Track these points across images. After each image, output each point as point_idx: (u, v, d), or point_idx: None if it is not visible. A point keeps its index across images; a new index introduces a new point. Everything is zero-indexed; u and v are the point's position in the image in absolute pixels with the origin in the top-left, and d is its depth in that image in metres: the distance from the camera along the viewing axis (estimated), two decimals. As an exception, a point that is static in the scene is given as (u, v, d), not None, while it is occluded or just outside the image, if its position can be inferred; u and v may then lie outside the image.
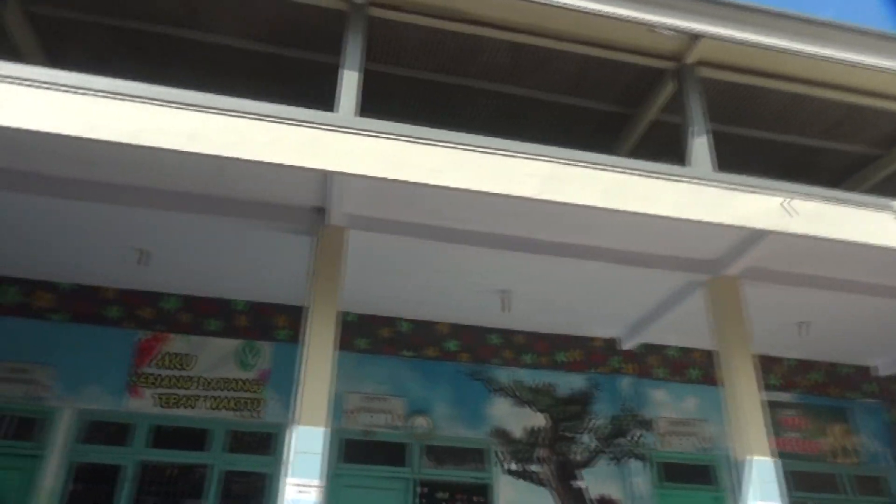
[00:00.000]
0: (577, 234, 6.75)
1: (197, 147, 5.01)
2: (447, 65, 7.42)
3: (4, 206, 6.47)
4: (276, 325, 8.69)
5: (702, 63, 7.13)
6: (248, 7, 6.79)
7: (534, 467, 8.72)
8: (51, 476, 7.38)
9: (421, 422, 8.54)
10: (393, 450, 8.43)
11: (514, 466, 8.67)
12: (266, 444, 8.08)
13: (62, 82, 5.09)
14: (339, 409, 8.22)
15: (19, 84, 5.04)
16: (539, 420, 9.04)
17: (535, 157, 5.77)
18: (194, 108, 5.12)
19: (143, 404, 7.93)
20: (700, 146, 6.66)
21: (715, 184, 6.14)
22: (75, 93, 5.08)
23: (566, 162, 5.83)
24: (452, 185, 5.43)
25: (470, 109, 8.10)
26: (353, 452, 8.27)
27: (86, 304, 8.25)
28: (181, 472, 7.82)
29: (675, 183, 6.04)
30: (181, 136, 5.01)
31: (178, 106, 5.11)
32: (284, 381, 8.32)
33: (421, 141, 5.59)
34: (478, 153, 5.66)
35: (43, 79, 5.09)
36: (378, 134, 5.54)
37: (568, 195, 5.70)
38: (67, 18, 7.09)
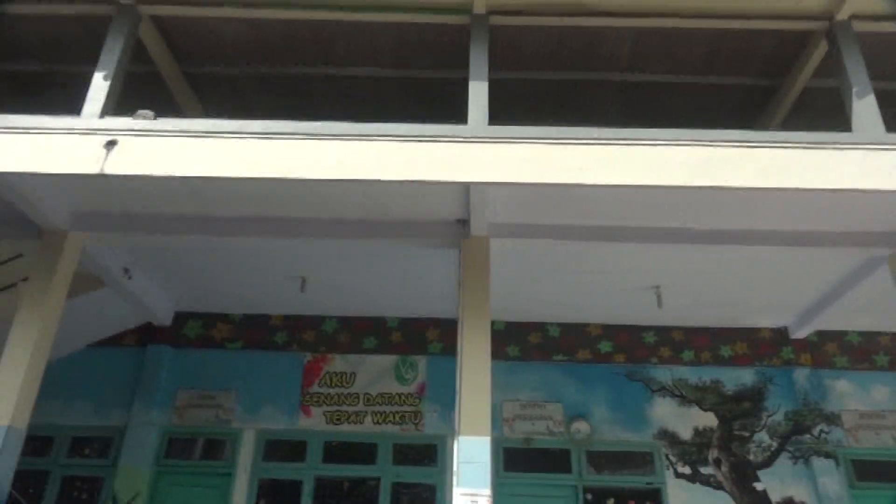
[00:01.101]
0: (735, 219, 6.32)
1: (343, 174, 5.28)
2: (571, 62, 7.28)
3: (186, 250, 7.19)
4: (428, 338, 8.93)
5: (855, 17, 6.46)
6: (374, 37, 7.08)
7: (707, 469, 8.24)
8: (241, 492, 8.03)
9: (581, 427, 8.37)
10: (555, 457, 8.32)
11: (685, 469, 8.24)
12: (429, 456, 8.29)
13: (221, 130, 5.57)
14: (496, 418, 8.25)
15: (186, 136, 5.58)
16: (708, 419, 8.53)
17: (681, 142, 5.49)
18: (337, 137, 5.41)
19: (315, 422, 8.43)
20: (865, 108, 6.02)
21: (887, 147, 5.51)
22: (232, 137, 5.54)
23: (714, 144, 5.49)
24: (598, 182, 5.29)
25: (600, 104, 7.89)
26: (514, 461, 8.25)
27: (257, 332, 8.95)
28: (354, 485, 8.20)
29: (841, 151, 5.49)
30: (328, 166, 5.31)
31: (324, 137, 5.41)
32: (440, 393, 8.52)
33: (559, 141, 5.51)
34: (620, 146, 5.49)
35: (204, 129, 5.60)
36: (513, 140, 5.54)
37: (720, 179, 5.36)
38: (218, 73, 7.79)
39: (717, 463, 8.26)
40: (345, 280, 7.95)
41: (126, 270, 7.49)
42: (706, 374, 8.78)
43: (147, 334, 8.89)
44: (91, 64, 6.52)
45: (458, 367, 5.79)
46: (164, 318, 8.80)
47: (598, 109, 7.94)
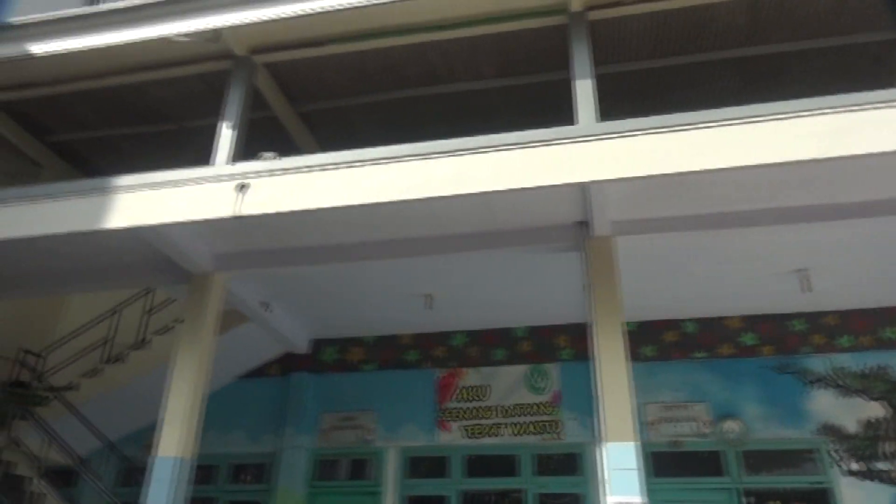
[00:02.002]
0: (885, 188, 5.75)
1: (460, 189, 5.32)
2: (678, 45, 6.97)
3: (317, 279, 7.53)
4: (557, 345, 8.78)
5: None
6: (474, 51, 7.12)
7: (881, 465, 7.48)
8: (389, 510, 8.25)
9: (732, 426, 7.87)
10: (706, 459, 7.89)
11: (856, 466, 7.53)
12: (572, 464, 8.12)
13: (338, 161, 5.79)
14: (639, 422, 7.91)
15: (307, 171, 5.85)
16: (876, 410, 7.76)
17: (809, 112, 5.07)
18: (451, 154, 5.46)
19: (454, 437, 8.50)
20: None
21: None
22: (350, 167, 5.74)
23: (847, 109, 5.02)
24: (721, 165, 4.99)
25: (712, 84, 7.49)
26: (662, 465, 7.90)
27: (389, 352, 9.20)
28: (499, 498, 8.17)
29: None
30: (446, 182, 5.37)
31: (438, 155, 5.49)
32: (576, 400, 8.34)
33: (674, 129, 5.26)
34: (740, 125, 5.16)
35: (323, 162, 5.84)
36: (626, 134, 5.34)
37: (862, 146, 4.89)
38: (327, 108, 8.14)
39: (893, 457, 7.48)
40: (469, 294, 8.00)
41: (265, 304, 7.96)
42: (869, 360, 8.00)
43: (288, 363, 9.37)
44: (215, 116, 7.04)
45: (594, 373, 5.63)
46: (302, 346, 9.25)
47: (711, 90, 7.54)
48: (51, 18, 7.37)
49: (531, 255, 6.74)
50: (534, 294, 7.98)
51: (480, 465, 8.37)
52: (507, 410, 8.53)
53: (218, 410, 8.97)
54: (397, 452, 8.61)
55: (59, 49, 7.30)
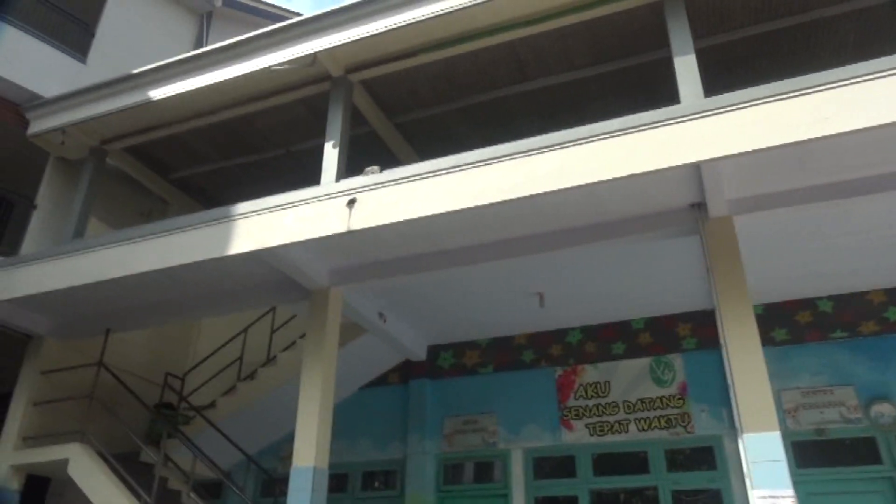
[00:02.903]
0: None
1: (565, 182, 5.23)
2: (788, 4, 6.53)
3: (428, 286, 7.64)
4: (679, 334, 8.41)
5: None
6: (565, 42, 7.00)
7: None
8: (520, 511, 8.20)
9: (886, 409, 7.21)
10: (858, 447, 7.27)
11: None
12: (706, 458, 7.74)
13: (439, 168, 5.86)
14: (776, 411, 7.42)
15: (410, 181, 5.95)
16: None
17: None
18: (552, 148, 5.39)
19: (578, 436, 8.33)
20: None
21: None
22: (451, 172, 5.79)
23: None
24: (848, 128, 4.62)
25: (828, 43, 6.96)
26: (807, 456, 7.35)
27: (505, 354, 9.17)
28: (631, 496, 7.93)
29: None
30: (549, 178, 5.30)
31: (539, 151, 5.43)
32: (705, 390, 7.96)
33: (790, 95, 4.92)
34: (866, 82, 4.75)
35: (424, 170, 5.93)
36: (736, 106, 5.06)
37: None
38: (422, 117, 8.27)
39: None
40: (581, 289, 7.83)
41: (381, 315, 8.16)
42: None
43: (408, 370, 9.55)
44: (320, 137, 7.32)
45: (725, 360, 5.34)
46: (419, 353, 9.40)
47: (823, 51, 7.01)
48: (166, 64, 7.96)
49: (643, 244, 6.49)
50: (649, 283, 7.70)
51: (609, 463, 8.15)
52: (631, 406, 8.26)
53: (344, 420, 9.28)
54: (522, 453, 8.54)
55: (174, 91, 7.87)
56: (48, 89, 9.07)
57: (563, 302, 8.09)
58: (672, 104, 5.42)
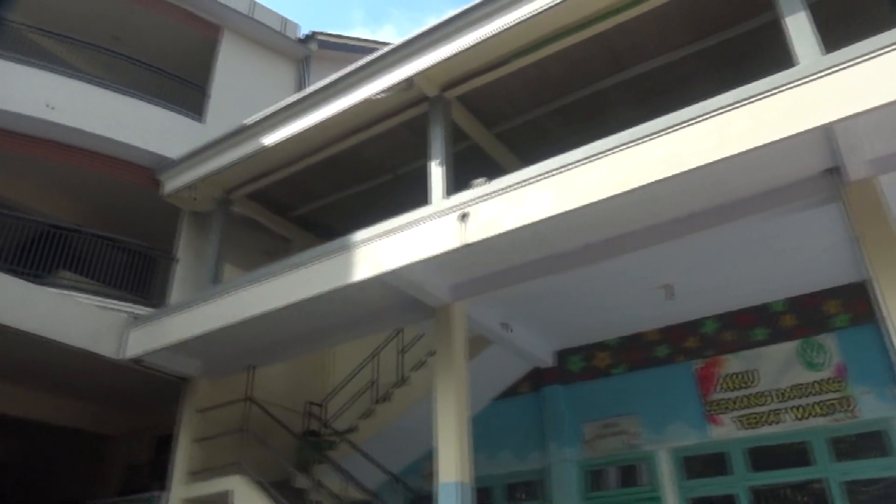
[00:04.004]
0: None
1: (681, 167, 5.00)
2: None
3: (547, 291, 7.52)
4: (827, 312, 7.74)
5: None
6: (661, 21, 6.73)
7: None
8: (675, 514, 7.84)
9: None
10: None
11: None
12: (877, 444, 7.05)
13: (546, 170, 5.80)
14: (955, 385, 6.69)
15: (518, 188, 5.93)
16: None
17: None
18: (664, 132, 5.18)
19: (727, 430, 7.86)
20: None
21: None
22: (558, 173, 5.70)
23: None
24: None
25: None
26: None
27: (636, 352, 8.83)
28: (795, 490, 7.37)
29: None
30: (663, 164, 5.08)
31: (649, 138, 5.23)
32: (868, 370, 7.28)
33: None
34: None
35: (530, 175, 5.87)
36: (862, 59, 4.65)
37: None
38: (520, 123, 8.22)
39: None
40: (710, 276, 7.41)
41: (505, 325, 8.13)
42: None
43: (538, 378, 9.42)
44: (424, 157, 7.45)
45: (886, 336, 4.86)
46: (547, 359, 9.27)
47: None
48: (274, 111, 8.43)
49: (776, 220, 6.06)
50: (783, 261, 7.16)
51: (765, 456, 7.60)
52: (783, 394, 7.68)
53: (481, 433, 9.21)
54: (668, 453, 8.17)
55: (284, 135, 8.32)
56: (173, 150, 9.87)
57: (693, 291, 7.70)
58: (782, 70, 5.05)
